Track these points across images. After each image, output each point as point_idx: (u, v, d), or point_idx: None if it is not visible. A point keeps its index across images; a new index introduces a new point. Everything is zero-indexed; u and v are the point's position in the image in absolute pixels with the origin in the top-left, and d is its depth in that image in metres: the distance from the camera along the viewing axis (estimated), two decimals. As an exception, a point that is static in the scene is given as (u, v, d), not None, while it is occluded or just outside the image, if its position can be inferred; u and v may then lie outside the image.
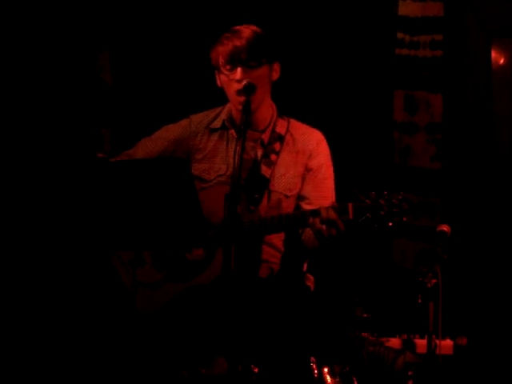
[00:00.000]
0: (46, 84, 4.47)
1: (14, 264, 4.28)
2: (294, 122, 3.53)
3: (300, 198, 3.43)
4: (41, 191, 4.22)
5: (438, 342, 3.22)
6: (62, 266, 4.33)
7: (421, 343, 3.79)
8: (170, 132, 3.56)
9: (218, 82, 3.43)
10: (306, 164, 3.44)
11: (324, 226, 3.10)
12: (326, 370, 3.24)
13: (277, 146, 3.45)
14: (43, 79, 4.47)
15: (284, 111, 3.53)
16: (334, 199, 3.36)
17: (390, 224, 3.11)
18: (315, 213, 3.13)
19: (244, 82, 3.28)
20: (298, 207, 3.42)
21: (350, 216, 3.11)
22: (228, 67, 3.34)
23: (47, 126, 4.45)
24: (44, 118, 4.45)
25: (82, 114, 4.53)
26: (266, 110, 3.46)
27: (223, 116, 3.52)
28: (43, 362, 4.13)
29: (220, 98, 3.49)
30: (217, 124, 3.52)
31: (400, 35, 4.74)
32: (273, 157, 3.44)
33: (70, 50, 4.57)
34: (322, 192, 3.40)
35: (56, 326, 4.24)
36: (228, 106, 3.52)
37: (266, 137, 3.46)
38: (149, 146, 3.55)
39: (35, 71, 4.45)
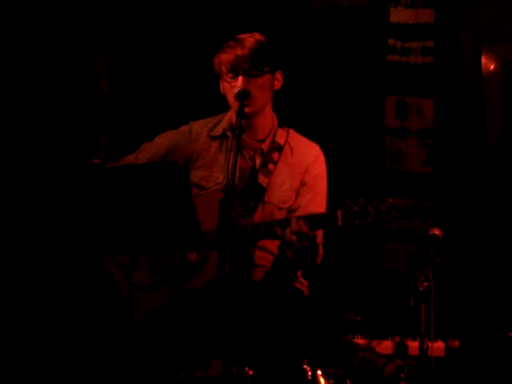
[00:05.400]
0: (43, 90, 4.49)
1: (9, 268, 4.29)
2: (293, 133, 3.52)
3: (291, 210, 3.41)
4: (37, 196, 4.23)
5: (429, 344, 3.24)
6: (57, 270, 4.35)
7: (413, 345, 3.83)
8: (170, 138, 3.55)
9: (221, 88, 3.42)
10: (302, 178, 3.44)
11: (294, 237, 3.11)
12: (319, 372, 3.26)
13: (275, 155, 3.45)
14: (40, 85, 4.49)
15: (277, 117, 3.52)
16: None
17: (378, 231, 3.13)
18: (285, 223, 3.15)
19: (238, 89, 3.28)
20: None
21: (339, 223, 3.12)
22: (230, 75, 3.33)
23: (43, 131, 4.47)
24: (40, 123, 4.46)
25: (78, 120, 4.55)
26: (266, 119, 3.45)
27: (224, 124, 3.50)
28: (37, 365, 4.14)
29: (218, 105, 3.49)
30: (217, 132, 3.51)
31: (391, 42, 4.76)
32: (270, 166, 3.44)
33: (66, 56, 4.59)
34: (314, 207, 3.38)
35: (50, 327, 4.25)
36: (229, 114, 3.50)
37: (265, 146, 3.45)
38: (149, 151, 3.55)
39: (32, 76, 4.47)
